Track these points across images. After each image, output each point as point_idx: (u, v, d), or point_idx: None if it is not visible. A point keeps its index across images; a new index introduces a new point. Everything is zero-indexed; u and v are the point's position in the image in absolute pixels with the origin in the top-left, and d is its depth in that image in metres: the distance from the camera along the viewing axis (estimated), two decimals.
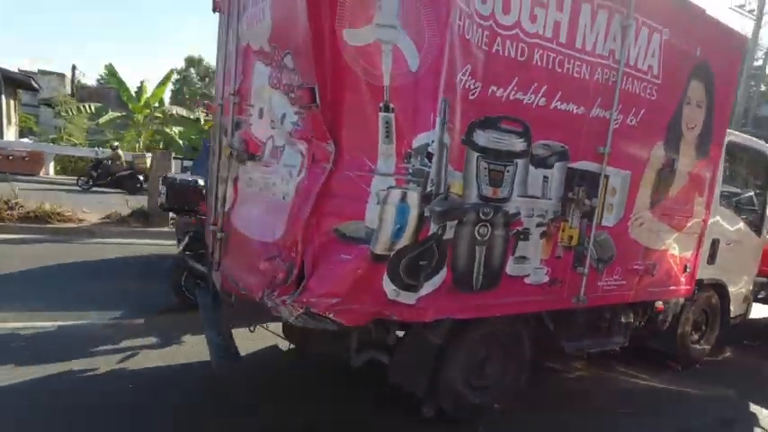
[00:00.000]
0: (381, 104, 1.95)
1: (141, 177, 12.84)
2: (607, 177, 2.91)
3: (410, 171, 2.00)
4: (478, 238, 2.44)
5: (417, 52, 1.93)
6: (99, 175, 12.49)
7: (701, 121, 3.38)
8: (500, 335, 2.97)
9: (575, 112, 2.68)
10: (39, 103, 28.35)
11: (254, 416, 2.80)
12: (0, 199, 7.15)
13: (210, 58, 47.63)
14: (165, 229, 7.87)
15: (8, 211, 7.06)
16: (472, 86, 2.19)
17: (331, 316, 2.03)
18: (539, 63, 2.46)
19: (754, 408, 3.71)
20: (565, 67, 2.57)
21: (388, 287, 2.11)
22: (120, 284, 4.99)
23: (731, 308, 4.48)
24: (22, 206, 7.31)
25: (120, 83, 18.10)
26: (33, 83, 19.36)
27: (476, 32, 2.14)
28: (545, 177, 2.66)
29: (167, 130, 19.96)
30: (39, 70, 30.81)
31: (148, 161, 13.30)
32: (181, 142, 19.77)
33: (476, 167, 2.34)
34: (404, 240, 2.04)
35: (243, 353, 2.89)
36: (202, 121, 22.11)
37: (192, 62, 45.91)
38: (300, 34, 1.94)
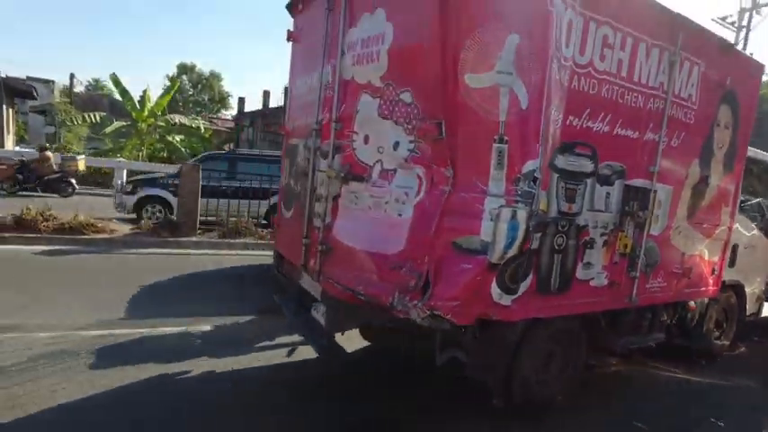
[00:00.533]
0: (496, 137, 2.31)
1: (74, 181, 12.55)
2: (655, 192, 3.31)
3: (519, 193, 2.36)
4: (556, 247, 2.82)
5: (527, 93, 2.30)
6: (26, 179, 11.81)
7: (728, 140, 3.82)
8: (563, 333, 3.32)
9: (631, 136, 3.07)
10: (29, 110, 28.18)
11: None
12: (36, 211, 7.31)
13: (203, 65, 47.84)
14: (194, 238, 8.16)
15: (44, 223, 7.23)
16: (558, 118, 2.57)
17: (449, 317, 2.37)
18: (605, 95, 2.85)
19: None
20: (625, 97, 2.97)
21: (495, 291, 2.46)
22: (242, 291, 5.59)
23: (747, 306, 4.94)
24: (55, 218, 7.48)
25: (124, 92, 18.19)
26: (35, 92, 19.29)
27: (562, 73, 2.52)
28: (607, 194, 3.05)
29: (170, 138, 20.07)
30: (27, 77, 30.53)
31: (81, 164, 13.14)
32: (183, 150, 19.90)
33: (556, 187, 2.71)
34: (513, 251, 2.39)
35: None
36: (202, 130, 22.29)
37: (184, 69, 46.00)
38: (426, 78, 2.30)
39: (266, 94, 27.87)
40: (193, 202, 8.43)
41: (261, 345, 4.10)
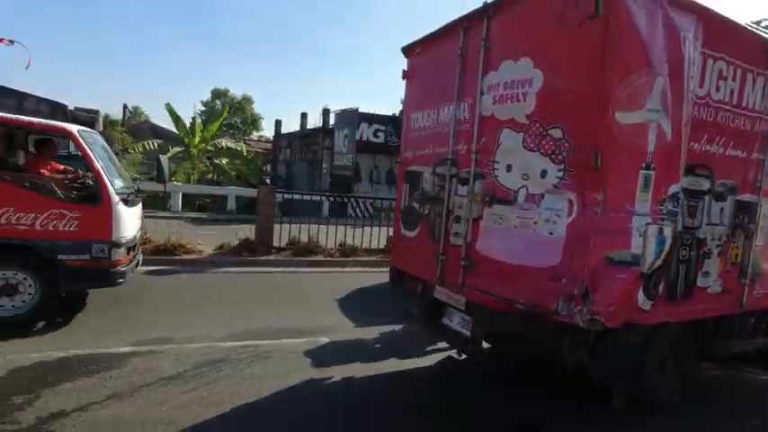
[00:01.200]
0: (644, 164, 2.71)
1: None
2: (761, 206, 3.61)
3: (664, 212, 2.74)
4: (681, 258, 3.16)
5: (671, 127, 2.70)
6: None
7: None
8: (679, 339, 3.62)
9: (740, 156, 3.41)
10: None
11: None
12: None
13: (235, 90, 49.89)
14: (271, 257, 8.73)
15: (144, 245, 7.91)
16: (687, 145, 2.94)
17: (604, 320, 2.74)
18: (720, 121, 3.22)
19: None
20: (735, 122, 3.32)
21: (641, 297, 2.82)
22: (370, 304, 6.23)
23: None
24: (150, 240, 8.17)
25: (178, 120, 19.34)
26: (98, 124, 20.64)
27: (691, 105, 2.91)
28: (721, 209, 3.38)
29: (217, 161, 21.10)
30: (74, 107, 32.43)
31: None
32: (231, 172, 20.85)
33: (681, 204, 3.07)
34: (659, 262, 2.76)
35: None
36: (245, 152, 23.30)
37: (217, 94, 48.09)
38: (580, 116, 2.72)
39: (303, 116, 28.88)
40: (269, 223, 9.04)
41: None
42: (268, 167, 30.68)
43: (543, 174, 2.98)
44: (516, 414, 3.59)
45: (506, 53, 3.19)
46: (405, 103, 4.53)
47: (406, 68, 4.45)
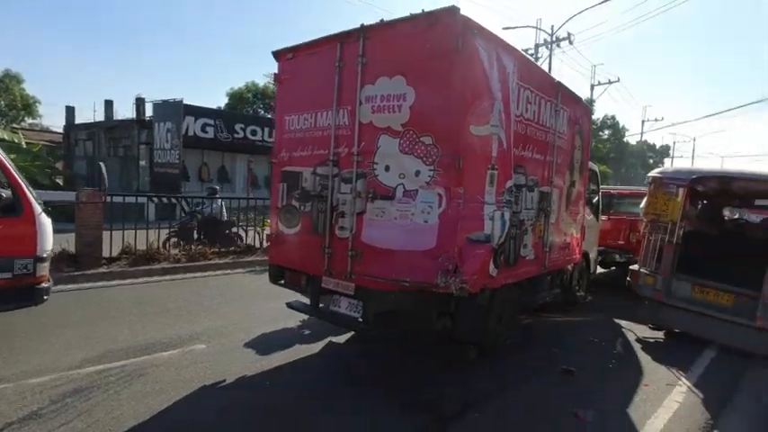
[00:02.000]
0: (490, 166, 3.56)
1: None
2: (552, 194, 5.01)
3: (504, 201, 3.66)
4: (512, 235, 4.22)
5: (505, 139, 3.62)
6: None
7: (580, 157, 5.83)
8: (509, 296, 4.76)
9: (540, 159, 4.69)
10: None
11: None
12: None
13: None
14: (103, 269, 7.65)
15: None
16: (513, 151, 3.96)
17: (469, 287, 3.52)
18: (528, 134, 4.38)
19: (619, 322, 6.33)
20: (537, 134, 4.56)
21: (491, 267, 3.72)
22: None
23: (591, 267, 7.25)
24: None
25: None
26: None
27: (514, 122, 3.93)
28: (532, 197, 4.60)
29: None
30: None
31: None
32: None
33: (512, 195, 4.11)
34: (502, 239, 3.68)
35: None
36: (23, 144, 18.97)
37: None
38: (445, 128, 3.41)
39: (109, 105, 24.73)
40: (96, 232, 7.84)
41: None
42: (61, 164, 25.42)
43: (417, 173, 3.61)
44: (408, 376, 4.22)
45: (382, 70, 3.72)
46: (278, 105, 4.69)
47: (277, 72, 4.62)
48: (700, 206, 8.35)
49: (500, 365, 4.50)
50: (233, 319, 5.46)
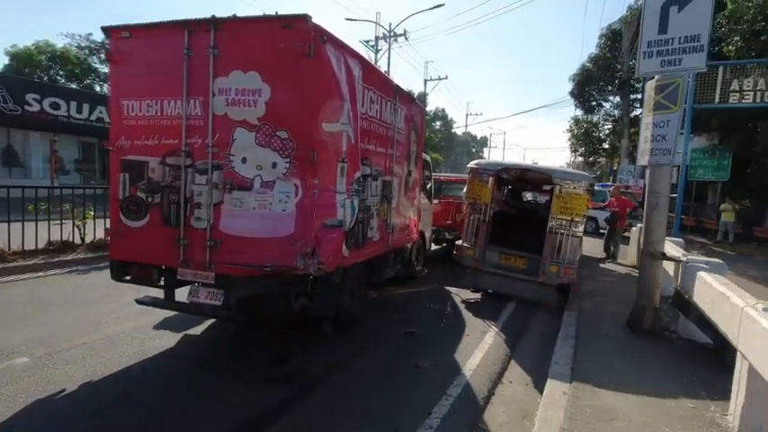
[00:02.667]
0: (341, 159, 3.99)
1: None
2: (392, 182, 5.75)
3: (353, 190, 4.15)
4: (360, 219, 4.78)
5: (353, 135, 4.08)
6: None
7: (416, 150, 6.73)
8: (359, 273, 5.36)
9: (383, 152, 5.34)
10: None
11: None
12: None
13: None
14: None
15: None
16: (360, 146, 4.49)
17: (326, 267, 3.94)
18: (372, 129, 4.96)
19: (449, 289, 7.54)
20: (379, 129, 5.18)
21: (344, 248, 4.20)
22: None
23: (427, 245, 8.41)
24: None
25: None
26: None
27: (360, 119, 4.44)
28: (376, 186, 5.23)
29: None
30: None
31: None
32: None
33: (360, 184, 4.65)
34: (352, 223, 4.18)
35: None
36: None
37: None
38: (300, 124, 3.69)
39: None
40: None
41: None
42: None
43: (274, 165, 3.85)
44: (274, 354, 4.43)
45: (235, 64, 3.81)
46: (113, 87, 4.32)
47: (109, 49, 4.26)
48: (506, 190, 10.32)
49: (353, 335, 5.07)
50: (59, 327, 4.85)
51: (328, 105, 3.86)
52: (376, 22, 29.17)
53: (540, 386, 4.02)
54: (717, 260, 5.27)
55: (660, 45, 4.90)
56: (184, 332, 4.91)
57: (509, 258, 6.92)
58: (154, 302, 4.37)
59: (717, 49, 15.40)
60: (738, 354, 3.24)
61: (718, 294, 3.81)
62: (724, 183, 17.96)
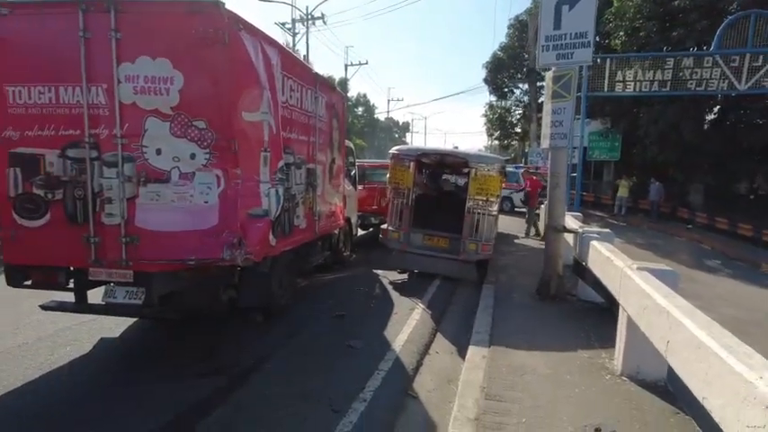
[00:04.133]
0: (263, 149, 3.96)
1: None
2: (317, 170, 5.79)
3: (277, 179, 4.14)
4: (286, 207, 4.78)
5: (275, 124, 4.06)
6: None
7: (338, 138, 6.80)
8: (287, 262, 5.37)
9: (305, 140, 5.35)
10: None
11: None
12: None
13: None
14: None
15: None
16: (282, 134, 4.47)
17: (253, 257, 3.92)
18: (293, 118, 4.96)
19: (377, 271, 7.77)
20: (301, 118, 5.18)
21: (271, 237, 4.19)
22: None
23: (353, 230, 8.57)
24: None
25: None
26: None
27: (281, 108, 4.42)
28: (300, 174, 5.24)
29: None
30: None
31: None
32: None
33: (284, 173, 4.64)
34: (278, 212, 4.18)
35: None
36: None
37: None
38: (219, 113, 3.60)
39: None
40: None
41: None
42: None
43: (192, 156, 3.73)
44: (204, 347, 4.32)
45: (142, 49, 3.60)
46: None
47: None
48: (426, 174, 10.76)
49: (284, 323, 5.10)
50: None
51: (247, 94, 3.81)
52: (292, 5, 28.40)
53: (463, 353, 4.38)
54: (606, 230, 6.03)
55: (555, 40, 5.42)
56: (100, 336, 4.61)
57: (432, 239, 7.30)
58: (62, 307, 4.06)
59: (607, 42, 17.16)
60: (620, 308, 3.80)
61: (606, 259, 4.41)
62: (616, 162, 20.25)
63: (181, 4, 3.53)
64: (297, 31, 27.12)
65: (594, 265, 4.99)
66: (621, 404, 3.30)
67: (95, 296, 4.12)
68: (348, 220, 8.16)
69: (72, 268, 3.97)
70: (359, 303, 5.99)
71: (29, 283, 4.08)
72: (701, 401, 2.10)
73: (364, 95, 62.13)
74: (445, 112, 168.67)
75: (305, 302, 5.87)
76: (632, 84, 10.01)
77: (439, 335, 5.05)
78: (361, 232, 10.33)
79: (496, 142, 39.36)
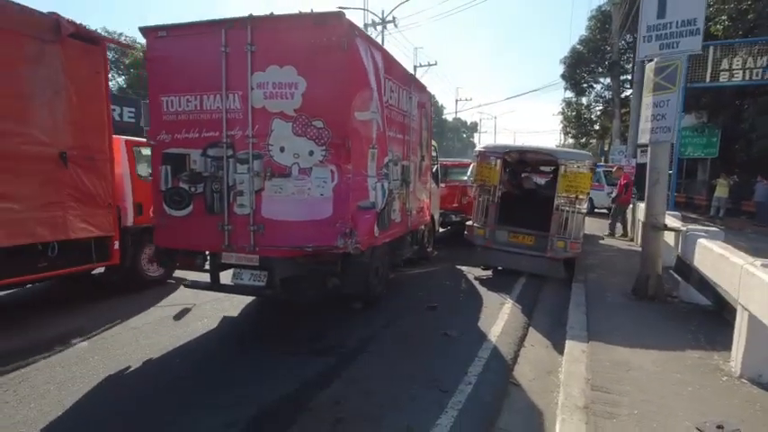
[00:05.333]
0: (371, 146, 4.30)
1: None
2: (410, 167, 6.06)
3: (383, 174, 4.47)
4: (387, 201, 5.10)
5: (381, 122, 4.38)
6: None
7: (426, 136, 7.04)
8: (383, 254, 5.69)
9: (402, 138, 5.65)
10: None
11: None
12: None
13: None
14: None
15: None
16: (387, 133, 4.79)
17: (361, 246, 4.27)
18: (393, 117, 5.26)
19: (461, 267, 7.92)
20: (398, 117, 5.48)
21: (376, 229, 4.53)
22: None
23: (436, 227, 8.77)
24: None
25: None
26: None
27: (385, 108, 4.74)
28: (396, 170, 5.54)
29: None
30: None
31: None
32: None
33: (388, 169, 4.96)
34: (383, 205, 4.51)
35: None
36: None
37: None
38: (335, 114, 3.99)
39: None
40: None
41: None
42: None
43: (311, 153, 4.15)
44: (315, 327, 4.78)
45: (272, 59, 4.08)
46: (151, 84, 4.55)
47: (147, 49, 4.50)
48: (508, 172, 10.67)
49: (381, 311, 5.43)
50: (106, 315, 5.16)
51: (360, 96, 4.16)
52: (365, 8, 29.24)
53: (558, 348, 4.41)
54: (714, 228, 5.69)
55: (659, 29, 5.23)
56: (223, 315, 5.23)
57: (518, 236, 7.29)
58: (200, 286, 4.68)
59: (705, 27, 15.79)
60: (739, 307, 3.64)
61: (719, 256, 4.21)
62: (713, 159, 18.52)
63: (309, 16, 3.96)
64: (368, 34, 27.94)
65: (702, 263, 4.76)
66: (743, 405, 3.18)
67: (224, 279, 4.71)
68: (431, 216, 8.37)
69: (208, 252, 4.56)
70: (448, 296, 6.18)
71: (176, 264, 4.76)
72: None
73: (433, 96, 62.08)
74: (516, 111, 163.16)
75: (397, 295, 6.17)
76: (740, 72, 9.19)
77: (531, 329, 5.10)
78: (441, 230, 10.49)
79: (572, 140, 37.54)
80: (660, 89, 5.45)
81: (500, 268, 7.52)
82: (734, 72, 9.25)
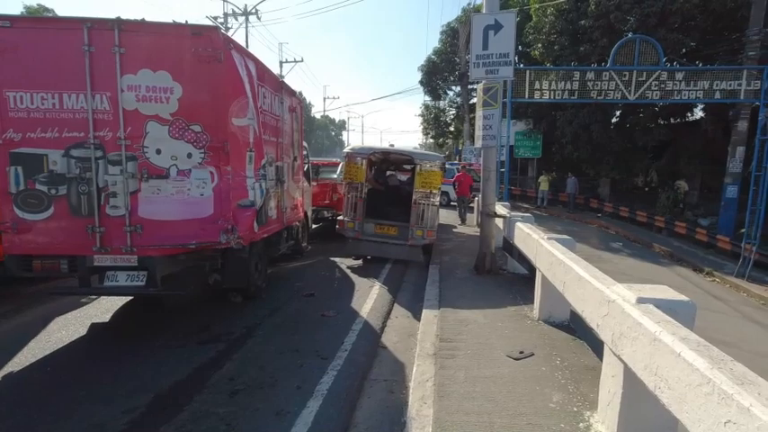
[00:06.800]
0: (249, 149, 4.65)
1: None
2: (283, 167, 6.50)
3: (260, 175, 4.85)
4: (265, 199, 5.49)
5: (258, 127, 4.76)
6: None
7: (298, 138, 7.53)
8: (262, 248, 6.04)
9: (275, 140, 6.06)
10: None
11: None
12: None
13: None
14: None
15: None
16: (263, 136, 5.18)
17: (243, 242, 4.62)
18: (267, 121, 5.66)
19: (334, 259, 8.57)
20: (272, 121, 5.88)
21: (255, 225, 4.90)
22: None
23: (309, 223, 9.30)
24: None
25: None
26: None
27: (260, 113, 5.13)
28: (271, 170, 5.94)
29: None
30: None
31: None
32: None
33: (265, 170, 5.35)
34: (261, 203, 4.90)
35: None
36: None
37: None
38: (213, 119, 4.24)
39: None
40: None
41: None
42: None
43: (189, 155, 4.36)
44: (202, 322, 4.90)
45: (144, 63, 4.17)
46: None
47: None
48: (374, 170, 11.70)
49: (264, 302, 5.79)
50: None
51: (237, 103, 4.49)
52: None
53: (417, 317, 5.36)
54: (528, 214, 7.34)
55: (484, 58, 6.57)
56: (90, 322, 5.03)
57: (383, 227, 8.25)
58: (70, 291, 4.48)
59: (528, 50, 19.15)
60: (537, 270, 4.98)
61: (526, 234, 5.60)
62: (538, 159, 22.56)
63: (185, 27, 4.14)
64: (229, 25, 26.86)
65: (519, 240, 6.20)
66: (537, 337, 4.44)
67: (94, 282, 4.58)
68: (305, 213, 8.87)
69: (75, 256, 4.40)
70: (325, 285, 6.80)
71: (30, 272, 4.45)
72: (581, 313, 3.22)
73: (300, 93, 61.72)
74: (382, 111, 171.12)
75: (277, 287, 6.56)
76: (548, 92, 11.67)
77: (396, 304, 6.01)
78: (314, 225, 11.03)
79: (431, 140, 41.34)
80: (487, 105, 6.82)
81: (369, 257, 8.40)
82: (544, 91, 11.70)
